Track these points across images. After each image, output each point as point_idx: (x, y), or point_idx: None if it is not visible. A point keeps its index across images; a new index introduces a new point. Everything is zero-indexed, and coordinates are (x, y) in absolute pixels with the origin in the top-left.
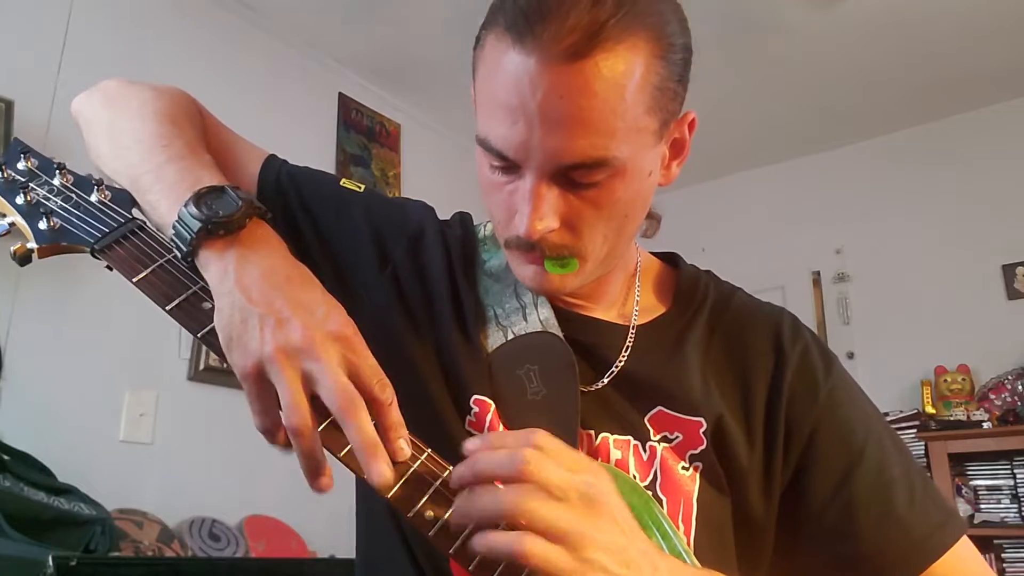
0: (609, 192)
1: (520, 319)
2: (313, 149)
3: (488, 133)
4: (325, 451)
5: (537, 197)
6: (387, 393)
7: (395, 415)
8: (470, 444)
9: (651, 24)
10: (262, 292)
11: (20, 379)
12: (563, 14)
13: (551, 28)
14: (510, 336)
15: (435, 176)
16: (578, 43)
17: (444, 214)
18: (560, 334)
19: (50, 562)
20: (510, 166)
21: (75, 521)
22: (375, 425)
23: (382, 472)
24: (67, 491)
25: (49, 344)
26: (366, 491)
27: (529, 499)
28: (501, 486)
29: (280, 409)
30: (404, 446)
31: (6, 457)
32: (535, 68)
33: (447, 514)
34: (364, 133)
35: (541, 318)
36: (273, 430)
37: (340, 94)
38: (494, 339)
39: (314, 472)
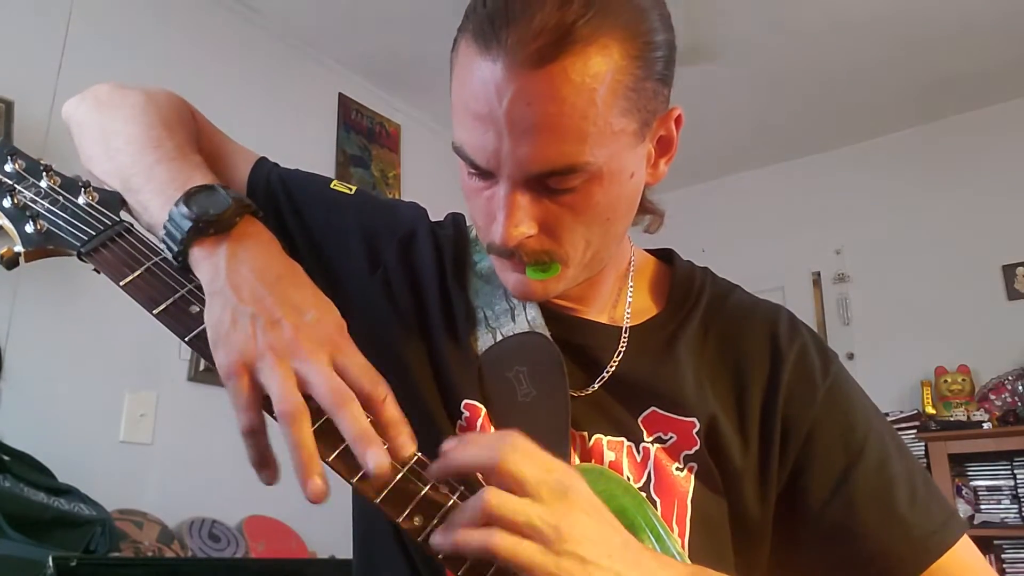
0: (586, 197)
1: (508, 320)
2: (313, 150)
3: (462, 141)
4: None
5: (511, 205)
6: (380, 390)
7: (392, 411)
8: (447, 445)
9: (625, 23)
10: (253, 291)
11: (20, 379)
12: (528, 18)
13: (516, 33)
14: (499, 338)
15: (435, 177)
16: (543, 48)
17: (444, 215)
18: (547, 334)
19: (50, 563)
20: (486, 173)
21: (75, 522)
22: (374, 425)
23: (378, 456)
24: (67, 491)
25: (49, 344)
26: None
27: (501, 496)
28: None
29: (263, 412)
30: (408, 442)
31: (6, 457)
32: (501, 75)
33: (436, 519)
34: (364, 134)
35: (528, 318)
36: (259, 431)
37: (340, 94)
38: (483, 341)
39: (308, 468)
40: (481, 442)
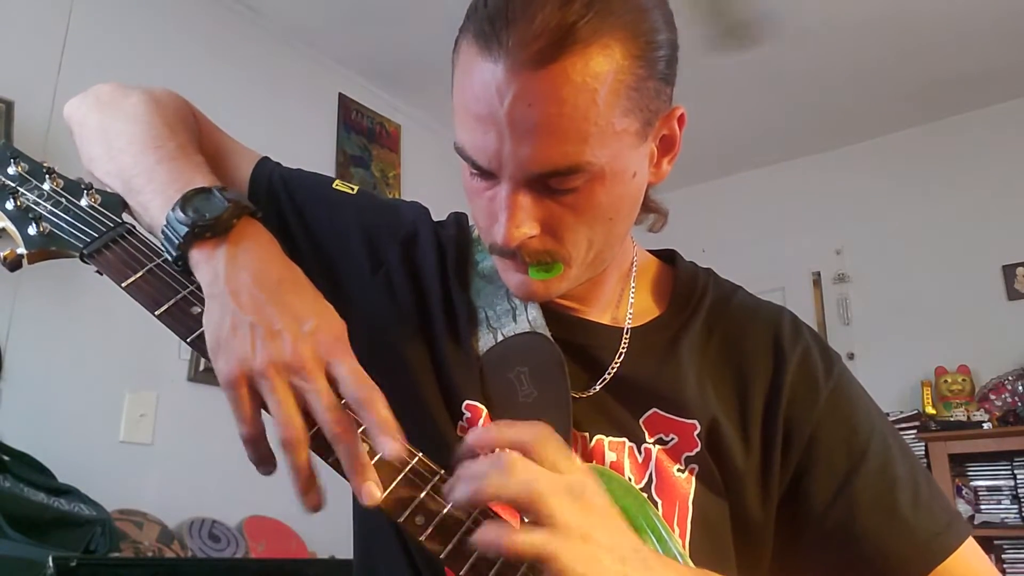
0: (589, 197)
1: (510, 320)
2: (313, 150)
3: (463, 142)
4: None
5: (513, 205)
6: (368, 391)
7: (381, 412)
8: (470, 437)
9: (626, 23)
10: (252, 297)
11: (20, 379)
12: (529, 18)
13: (517, 34)
14: (499, 338)
15: (435, 177)
16: (544, 48)
17: (445, 215)
18: (548, 334)
19: (50, 563)
20: (487, 173)
21: (75, 522)
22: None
23: (371, 492)
24: (67, 492)
25: (49, 344)
26: None
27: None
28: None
29: (261, 418)
30: (388, 442)
31: (6, 457)
32: (502, 76)
33: (437, 519)
34: (364, 134)
35: (530, 319)
36: (259, 439)
37: (340, 94)
38: (485, 341)
39: (306, 487)
40: (503, 433)
